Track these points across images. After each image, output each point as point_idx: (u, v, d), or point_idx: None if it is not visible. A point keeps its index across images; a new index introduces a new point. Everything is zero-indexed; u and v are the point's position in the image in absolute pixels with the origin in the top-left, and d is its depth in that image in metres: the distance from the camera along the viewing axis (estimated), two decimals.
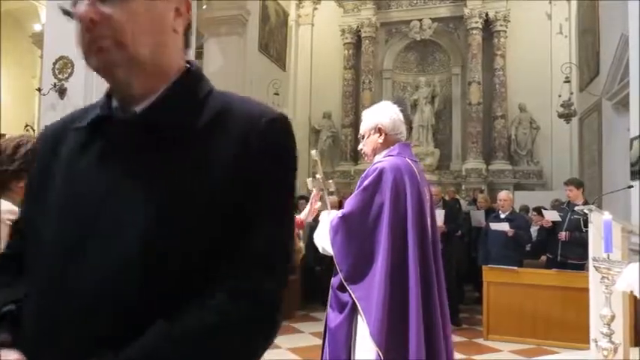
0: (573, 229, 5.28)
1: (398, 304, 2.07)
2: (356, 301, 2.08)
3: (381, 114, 2.35)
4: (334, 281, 2.21)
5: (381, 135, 2.32)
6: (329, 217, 2.27)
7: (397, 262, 2.09)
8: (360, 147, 2.46)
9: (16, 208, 1.64)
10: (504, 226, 5.72)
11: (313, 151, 2.66)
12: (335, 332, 2.13)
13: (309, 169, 11.88)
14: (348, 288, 2.10)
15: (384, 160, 2.24)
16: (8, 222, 1.59)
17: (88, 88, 5.53)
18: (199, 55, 8.75)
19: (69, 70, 5.53)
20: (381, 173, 2.16)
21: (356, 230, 2.14)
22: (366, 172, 2.25)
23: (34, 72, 11.52)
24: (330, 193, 2.45)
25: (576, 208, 4.64)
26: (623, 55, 5.96)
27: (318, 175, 2.41)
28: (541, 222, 5.94)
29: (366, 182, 2.18)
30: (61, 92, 5.53)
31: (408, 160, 2.26)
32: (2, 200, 1.65)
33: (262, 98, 9.71)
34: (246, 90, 9.49)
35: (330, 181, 2.51)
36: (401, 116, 2.37)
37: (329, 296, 2.24)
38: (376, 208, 2.13)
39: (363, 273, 2.09)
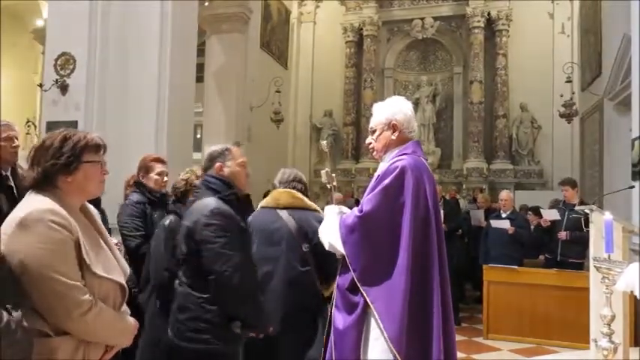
0: (572, 228, 5.28)
1: (419, 306, 1.99)
2: (370, 302, 1.98)
3: (396, 110, 2.23)
4: (341, 281, 2.09)
5: (395, 132, 2.21)
6: (339, 214, 2.18)
7: (419, 263, 2.01)
8: (368, 141, 2.32)
9: (57, 208, 1.46)
10: (505, 223, 5.71)
11: (323, 142, 2.59)
12: (344, 333, 2.02)
13: (311, 166, 11.90)
14: (361, 289, 1.99)
15: (402, 159, 2.12)
16: (50, 223, 1.42)
17: (89, 85, 5.53)
18: (201, 52, 8.72)
19: (71, 67, 5.53)
20: (402, 172, 2.05)
21: (375, 230, 2.03)
22: (384, 171, 2.12)
23: (35, 68, 11.53)
24: (334, 188, 2.38)
25: (577, 208, 4.64)
26: (625, 55, 5.94)
27: (327, 169, 2.32)
28: (538, 221, 5.94)
29: (386, 181, 2.06)
30: (63, 88, 5.53)
31: (422, 159, 2.19)
32: (43, 197, 1.49)
33: (263, 96, 9.73)
34: (248, 88, 9.50)
35: (333, 175, 2.44)
36: (413, 113, 2.29)
37: (333, 296, 2.15)
38: (397, 208, 2.02)
39: (380, 274, 1.98)
